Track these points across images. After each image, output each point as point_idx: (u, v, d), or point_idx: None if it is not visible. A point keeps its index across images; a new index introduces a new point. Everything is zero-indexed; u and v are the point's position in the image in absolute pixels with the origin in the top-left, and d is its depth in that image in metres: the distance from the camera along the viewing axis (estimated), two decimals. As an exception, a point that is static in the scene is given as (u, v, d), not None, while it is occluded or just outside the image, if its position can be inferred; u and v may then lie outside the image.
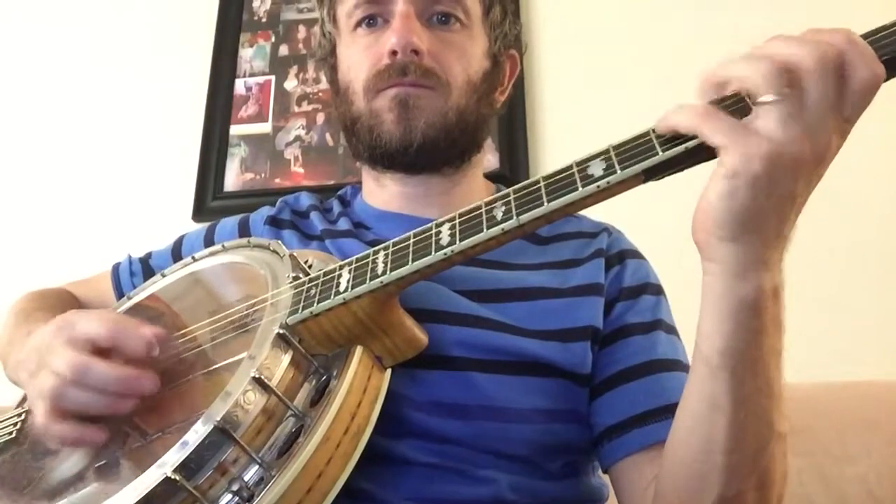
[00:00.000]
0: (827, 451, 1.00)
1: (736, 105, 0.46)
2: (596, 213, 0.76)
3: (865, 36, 0.46)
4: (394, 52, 0.74)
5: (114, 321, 0.59)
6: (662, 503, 0.60)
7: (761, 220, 0.46)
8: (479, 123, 0.79)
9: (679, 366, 0.70)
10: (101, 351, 0.58)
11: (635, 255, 0.79)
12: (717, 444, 0.53)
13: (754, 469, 0.54)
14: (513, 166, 1.42)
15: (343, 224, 0.81)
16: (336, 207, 0.86)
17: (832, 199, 1.20)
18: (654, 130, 0.49)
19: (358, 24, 0.79)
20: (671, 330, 0.74)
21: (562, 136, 1.47)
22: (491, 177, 0.88)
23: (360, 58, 0.77)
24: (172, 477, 0.49)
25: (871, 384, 1.09)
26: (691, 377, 0.55)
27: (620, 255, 0.77)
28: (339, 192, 0.91)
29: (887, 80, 0.46)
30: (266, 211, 0.87)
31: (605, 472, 0.71)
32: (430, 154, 0.76)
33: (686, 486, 0.56)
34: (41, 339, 0.61)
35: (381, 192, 0.82)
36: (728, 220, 0.46)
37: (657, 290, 0.77)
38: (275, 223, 0.84)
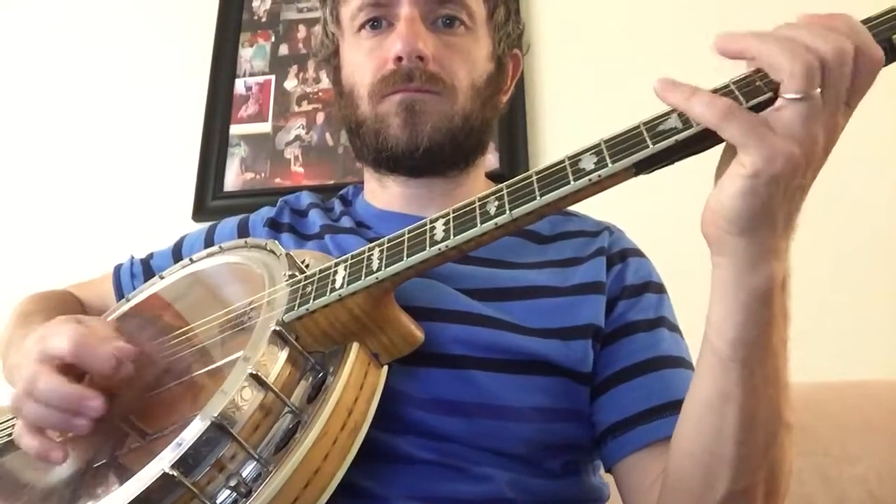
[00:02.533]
0: (827, 452, 1.00)
1: (755, 87, 0.46)
2: (594, 210, 0.76)
3: (864, 22, 0.47)
4: (399, 58, 0.74)
5: (80, 338, 0.58)
6: (670, 499, 0.60)
7: (774, 214, 0.47)
8: (483, 127, 0.79)
9: (683, 363, 0.70)
10: (74, 369, 0.59)
11: (637, 253, 0.79)
12: (727, 435, 0.53)
13: (764, 461, 0.54)
14: (512, 166, 1.42)
15: (345, 222, 0.82)
16: (338, 207, 0.87)
17: (833, 200, 1.20)
18: (644, 124, 0.49)
19: (362, 27, 0.78)
20: (674, 328, 0.74)
21: (562, 136, 1.47)
22: (490, 176, 0.88)
23: (364, 61, 0.77)
24: (170, 473, 0.49)
25: (871, 384, 1.09)
26: (700, 369, 0.55)
27: (622, 254, 0.77)
28: (341, 192, 0.91)
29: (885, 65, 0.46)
30: (266, 212, 0.87)
31: (608, 470, 0.70)
32: (435, 158, 0.76)
33: (695, 480, 0.56)
34: (26, 349, 0.62)
35: (384, 193, 0.82)
36: (743, 216, 0.47)
37: (659, 289, 0.77)
38: (274, 226, 0.84)
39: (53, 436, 0.60)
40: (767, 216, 0.47)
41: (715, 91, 0.47)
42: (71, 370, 0.59)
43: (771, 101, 0.46)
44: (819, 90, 0.44)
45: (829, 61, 0.44)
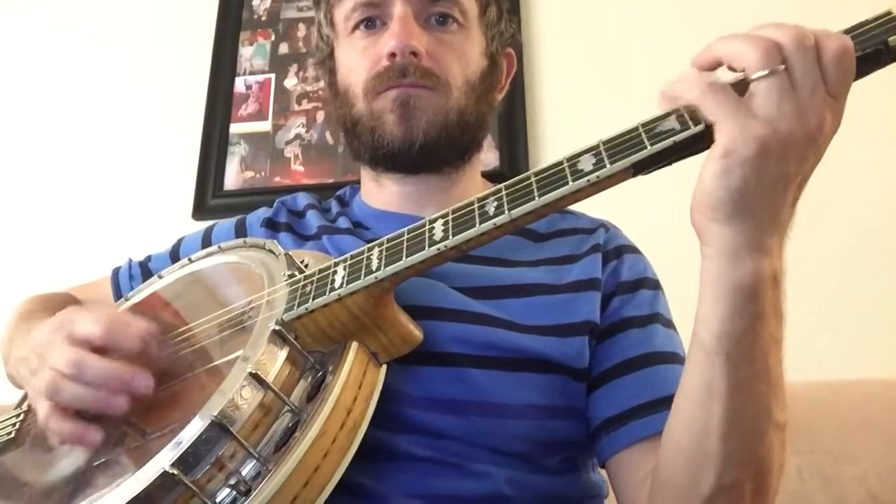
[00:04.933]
0: (827, 451, 1.00)
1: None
2: (593, 208, 0.76)
3: (857, 26, 0.47)
4: (392, 55, 0.74)
5: (110, 320, 0.59)
6: (659, 493, 0.60)
7: (754, 202, 0.47)
8: (479, 123, 0.79)
9: (677, 359, 0.70)
10: (98, 349, 0.58)
11: (632, 250, 0.80)
12: (713, 430, 0.53)
13: (751, 457, 0.54)
14: (512, 165, 1.42)
15: (342, 223, 0.82)
16: (335, 207, 0.87)
17: (833, 198, 1.21)
18: (642, 125, 0.50)
19: (356, 27, 0.79)
20: (669, 324, 0.74)
21: (562, 135, 1.47)
22: (491, 175, 0.89)
23: (358, 60, 0.78)
24: (170, 471, 0.49)
25: (871, 384, 1.09)
26: (689, 362, 0.55)
27: (618, 251, 0.78)
28: (338, 193, 0.91)
29: (865, 75, 0.47)
30: (262, 213, 0.87)
31: (602, 465, 0.71)
32: (431, 154, 0.76)
33: (683, 475, 0.56)
34: (41, 337, 0.61)
35: (380, 192, 0.83)
36: (722, 201, 0.47)
37: (655, 285, 0.77)
38: (271, 226, 0.84)
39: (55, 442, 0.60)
40: (747, 203, 0.47)
41: None
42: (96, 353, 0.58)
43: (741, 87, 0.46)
44: (783, 66, 0.45)
45: (786, 43, 0.45)
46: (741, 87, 0.47)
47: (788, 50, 0.45)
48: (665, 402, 0.64)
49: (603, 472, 0.74)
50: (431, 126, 0.75)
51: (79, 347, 0.57)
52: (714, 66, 0.47)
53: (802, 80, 0.45)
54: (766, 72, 0.45)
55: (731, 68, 0.47)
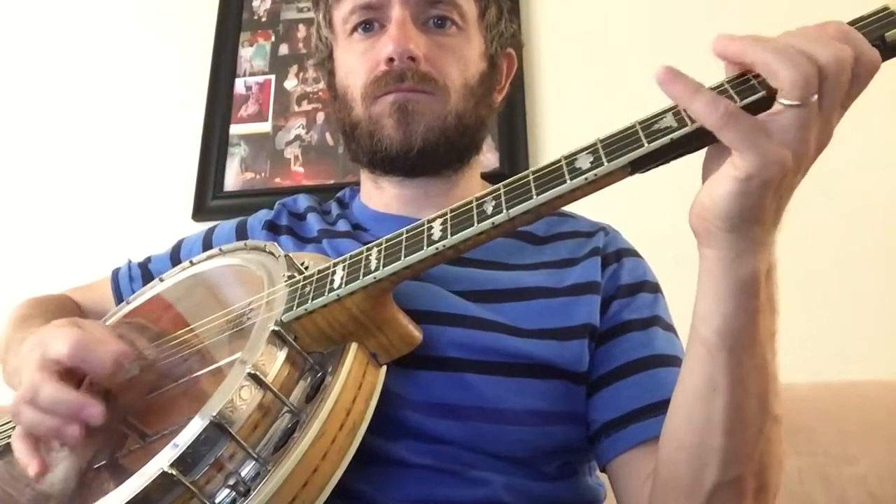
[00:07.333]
0: (827, 452, 1.00)
1: (750, 85, 0.46)
2: (591, 210, 0.76)
3: (853, 22, 0.47)
4: (391, 59, 0.74)
5: (78, 341, 0.58)
6: (661, 492, 0.60)
7: (764, 213, 0.47)
8: (477, 126, 0.79)
9: (677, 361, 0.70)
10: (72, 372, 0.58)
11: (632, 253, 0.79)
12: (715, 425, 0.53)
13: (753, 451, 0.54)
14: (512, 166, 1.42)
15: (342, 226, 0.82)
16: (335, 209, 0.87)
17: (832, 200, 1.20)
18: (640, 123, 0.50)
19: (354, 30, 0.79)
20: (668, 327, 0.74)
21: (562, 136, 1.47)
22: (491, 176, 0.89)
23: (357, 64, 0.78)
24: (169, 471, 0.49)
25: (871, 384, 1.09)
26: (688, 360, 0.55)
27: (617, 254, 0.77)
28: (338, 195, 0.91)
29: None
30: (263, 215, 0.87)
31: (602, 469, 0.71)
32: (429, 158, 0.76)
33: (685, 472, 0.56)
34: (24, 353, 0.62)
35: (380, 195, 0.83)
36: (734, 215, 0.47)
37: (654, 288, 0.77)
38: (272, 228, 0.85)
39: (55, 445, 0.60)
40: (757, 215, 0.47)
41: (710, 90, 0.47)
42: (71, 375, 0.58)
43: (764, 101, 0.46)
44: (815, 97, 0.44)
45: (828, 70, 0.44)
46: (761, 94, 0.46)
47: (827, 77, 0.44)
48: (664, 405, 0.64)
49: (600, 475, 0.74)
50: (430, 131, 0.75)
51: (43, 371, 0.57)
52: (736, 61, 0.47)
53: (830, 109, 0.45)
54: (797, 102, 0.44)
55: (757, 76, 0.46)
